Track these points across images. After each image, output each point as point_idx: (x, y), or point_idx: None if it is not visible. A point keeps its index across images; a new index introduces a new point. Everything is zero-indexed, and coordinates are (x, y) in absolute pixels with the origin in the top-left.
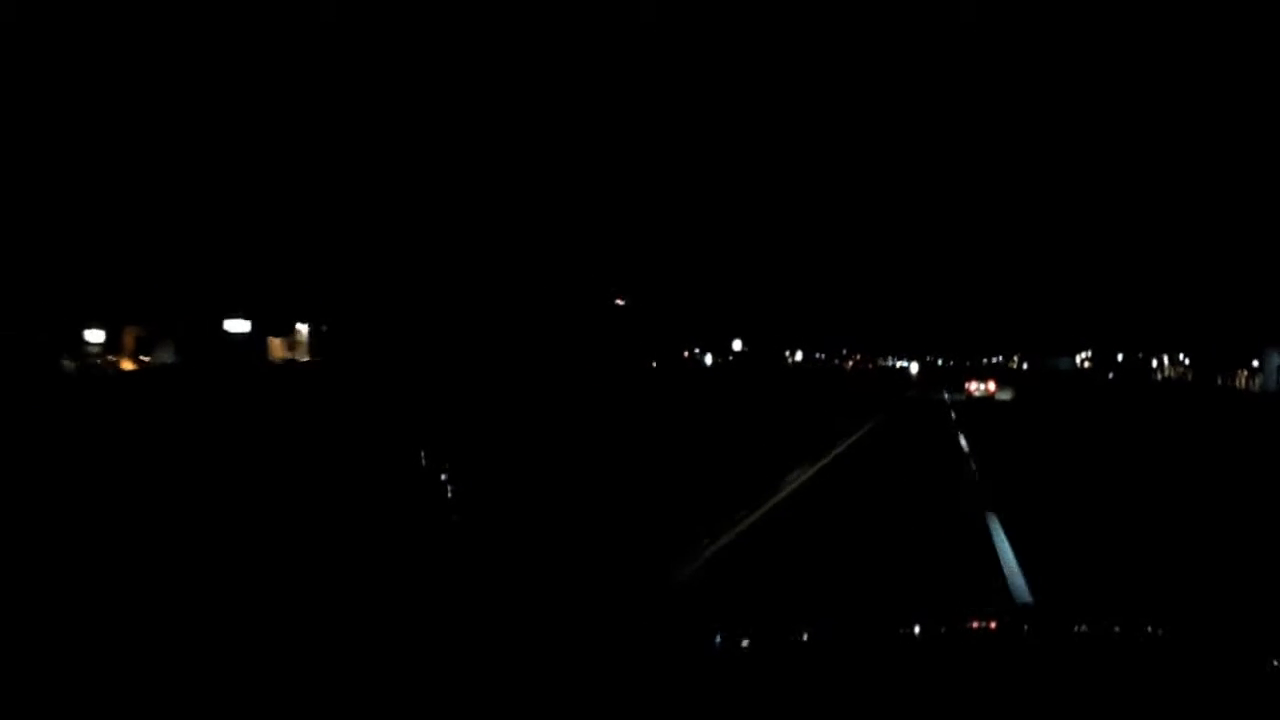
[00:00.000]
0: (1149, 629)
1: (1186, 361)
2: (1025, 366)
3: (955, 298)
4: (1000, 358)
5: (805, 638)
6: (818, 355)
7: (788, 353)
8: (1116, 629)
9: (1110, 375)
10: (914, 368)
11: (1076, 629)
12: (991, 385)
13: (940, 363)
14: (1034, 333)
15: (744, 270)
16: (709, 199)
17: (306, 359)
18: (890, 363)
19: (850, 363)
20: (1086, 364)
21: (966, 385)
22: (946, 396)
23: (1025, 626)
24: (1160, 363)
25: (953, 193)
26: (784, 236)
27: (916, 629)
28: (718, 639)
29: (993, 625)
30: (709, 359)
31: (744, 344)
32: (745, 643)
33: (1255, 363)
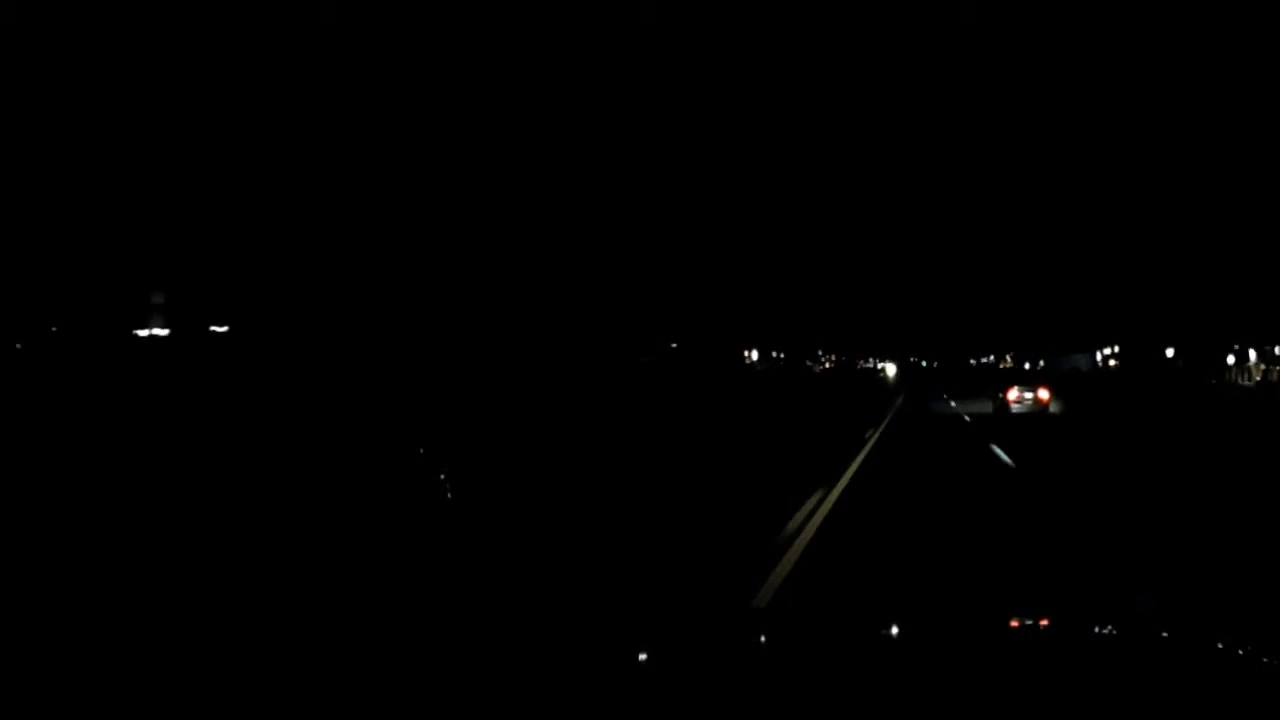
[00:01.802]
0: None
1: None
2: (1026, 366)
3: (941, 292)
4: (991, 357)
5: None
6: (775, 354)
7: (746, 351)
8: (1123, 630)
9: (1166, 375)
10: (890, 369)
11: (1087, 631)
12: (1044, 394)
13: (924, 363)
14: (1034, 328)
15: (696, 257)
16: (689, 190)
17: None
18: (872, 364)
19: (825, 364)
20: (1112, 362)
21: (1005, 395)
22: (959, 412)
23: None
24: (1243, 358)
25: (942, 185)
26: (762, 228)
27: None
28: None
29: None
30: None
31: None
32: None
33: None
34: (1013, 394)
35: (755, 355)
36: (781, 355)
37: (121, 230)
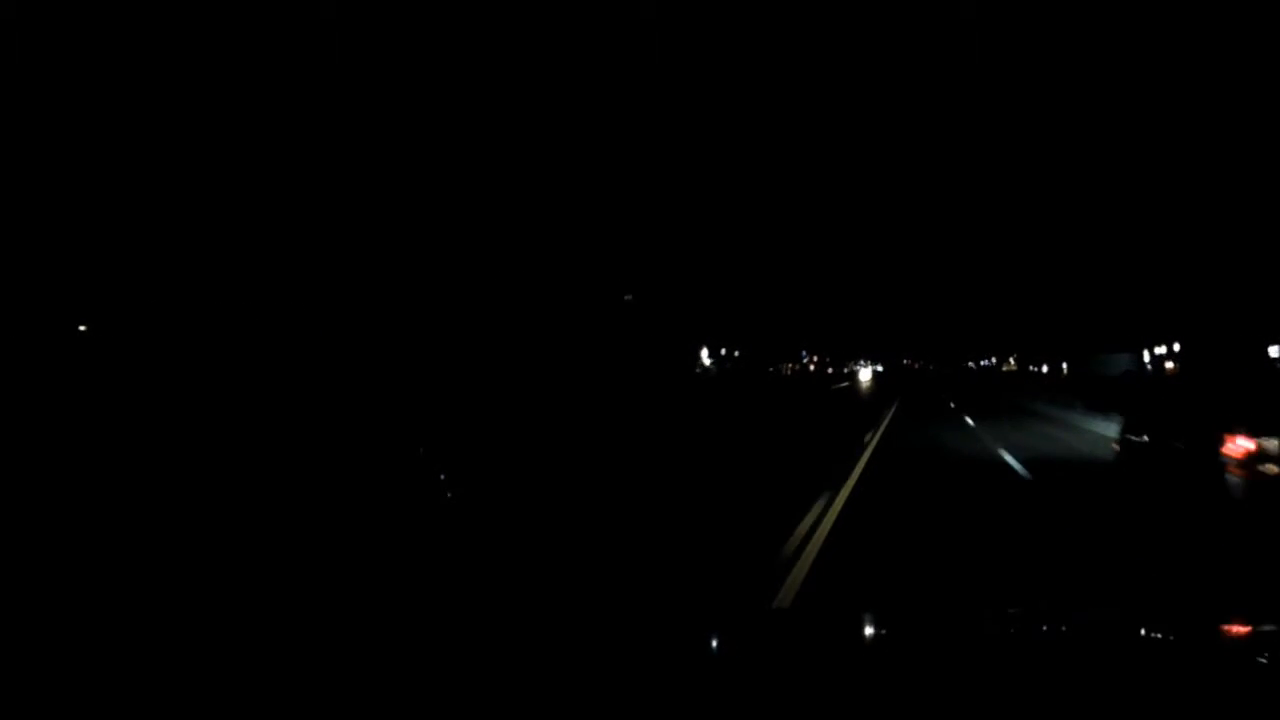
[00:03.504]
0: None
1: None
2: (1045, 369)
3: (934, 287)
4: (993, 359)
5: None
6: (728, 351)
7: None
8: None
9: None
10: (865, 374)
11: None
12: None
13: (917, 365)
14: (1044, 325)
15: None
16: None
17: None
18: (863, 364)
19: (798, 364)
20: (1169, 364)
21: (1226, 449)
22: (1014, 468)
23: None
24: None
25: (937, 178)
26: (755, 223)
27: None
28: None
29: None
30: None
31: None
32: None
33: None
34: (1242, 444)
35: (705, 355)
36: (736, 354)
37: (121, 229)
